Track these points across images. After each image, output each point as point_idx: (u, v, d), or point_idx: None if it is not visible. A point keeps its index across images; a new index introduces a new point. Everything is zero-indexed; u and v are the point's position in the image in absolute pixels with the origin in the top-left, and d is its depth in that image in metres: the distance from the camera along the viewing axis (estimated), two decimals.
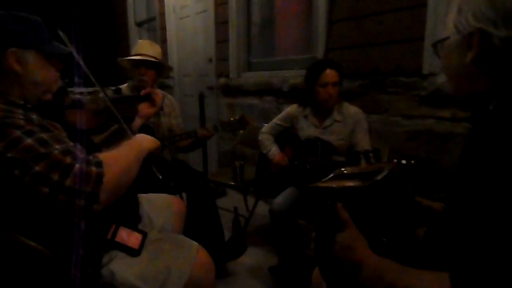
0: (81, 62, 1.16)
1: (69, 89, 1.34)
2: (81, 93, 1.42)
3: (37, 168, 0.88)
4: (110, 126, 1.44)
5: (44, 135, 0.94)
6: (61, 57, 1.16)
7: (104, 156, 1.01)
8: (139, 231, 1.28)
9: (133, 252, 1.21)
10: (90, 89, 1.43)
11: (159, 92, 1.61)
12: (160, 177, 1.31)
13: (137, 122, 1.47)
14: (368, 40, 2.41)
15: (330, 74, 2.01)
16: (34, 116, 1.03)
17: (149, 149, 1.22)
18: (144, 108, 1.53)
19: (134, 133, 1.42)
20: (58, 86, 1.20)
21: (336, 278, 0.87)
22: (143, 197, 1.61)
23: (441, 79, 2.03)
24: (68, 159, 0.92)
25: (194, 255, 1.29)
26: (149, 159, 1.25)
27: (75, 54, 1.15)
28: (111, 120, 1.39)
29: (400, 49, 2.24)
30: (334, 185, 0.84)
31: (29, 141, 0.90)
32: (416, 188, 0.90)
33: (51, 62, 1.13)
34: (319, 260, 0.94)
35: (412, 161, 0.88)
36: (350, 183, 0.83)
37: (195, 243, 1.35)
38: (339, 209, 0.83)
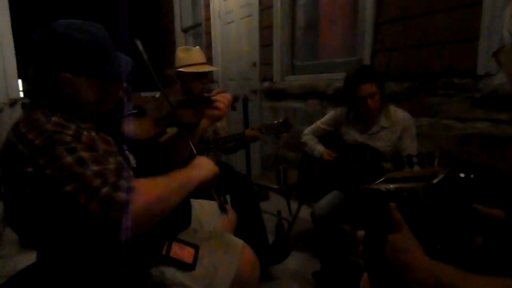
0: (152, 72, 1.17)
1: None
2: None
3: (67, 188, 0.87)
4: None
5: (85, 154, 0.92)
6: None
7: (139, 182, 0.96)
8: (191, 245, 1.26)
9: (188, 267, 1.19)
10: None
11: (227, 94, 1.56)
12: (223, 201, 1.30)
13: (204, 123, 1.46)
14: (418, 41, 2.33)
15: (365, 88, 1.94)
16: (85, 133, 0.99)
17: (201, 179, 1.12)
18: (209, 110, 1.41)
19: (196, 138, 1.44)
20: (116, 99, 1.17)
21: (385, 280, 0.84)
22: (196, 202, 1.64)
23: (498, 80, 1.92)
24: (97, 182, 0.88)
25: (239, 253, 1.30)
26: (207, 186, 1.18)
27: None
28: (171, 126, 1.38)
29: (453, 49, 2.14)
30: (387, 186, 0.81)
31: (68, 159, 0.89)
32: (474, 195, 0.86)
33: (106, 84, 1.09)
34: (368, 262, 0.91)
35: (472, 175, 0.83)
36: (404, 185, 0.80)
37: (240, 241, 1.36)
38: (393, 209, 0.79)
